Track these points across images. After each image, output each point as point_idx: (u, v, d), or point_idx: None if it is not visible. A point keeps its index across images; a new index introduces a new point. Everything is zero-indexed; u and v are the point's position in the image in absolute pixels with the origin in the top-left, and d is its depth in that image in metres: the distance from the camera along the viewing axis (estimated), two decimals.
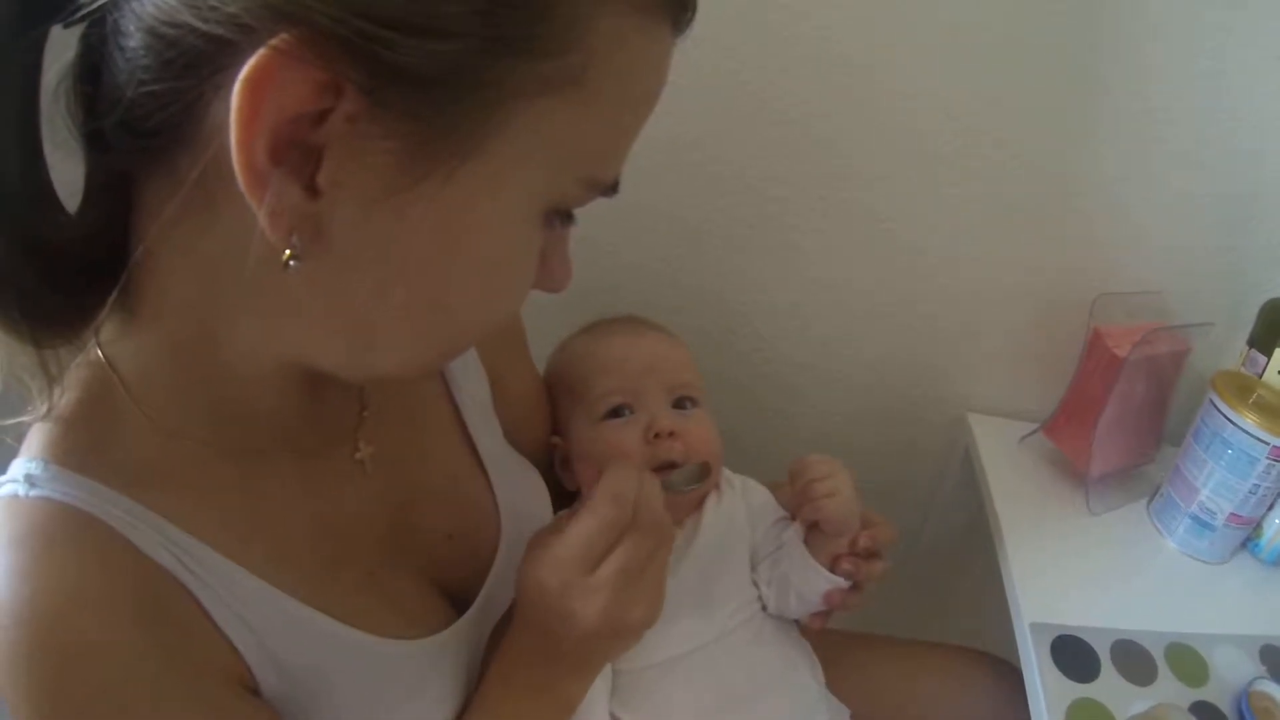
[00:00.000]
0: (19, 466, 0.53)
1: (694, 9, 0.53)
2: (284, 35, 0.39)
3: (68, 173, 0.50)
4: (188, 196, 0.46)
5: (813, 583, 0.92)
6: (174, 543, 0.55)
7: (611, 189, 0.55)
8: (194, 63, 0.41)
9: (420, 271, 0.49)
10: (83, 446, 0.54)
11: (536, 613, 0.71)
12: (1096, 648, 0.95)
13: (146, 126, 0.44)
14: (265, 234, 0.43)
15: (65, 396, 0.55)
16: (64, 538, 0.51)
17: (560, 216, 0.55)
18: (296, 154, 0.42)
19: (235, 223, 0.45)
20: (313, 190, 0.43)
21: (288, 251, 0.45)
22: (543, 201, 0.51)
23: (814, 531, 0.92)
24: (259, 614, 0.58)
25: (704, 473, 0.91)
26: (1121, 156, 1.13)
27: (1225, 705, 0.92)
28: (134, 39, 0.42)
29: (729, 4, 1.05)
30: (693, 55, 1.04)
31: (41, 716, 0.49)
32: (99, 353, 0.55)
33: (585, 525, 0.69)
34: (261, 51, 0.39)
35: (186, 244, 0.49)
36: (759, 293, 1.27)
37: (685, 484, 0.90)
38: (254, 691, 0.59)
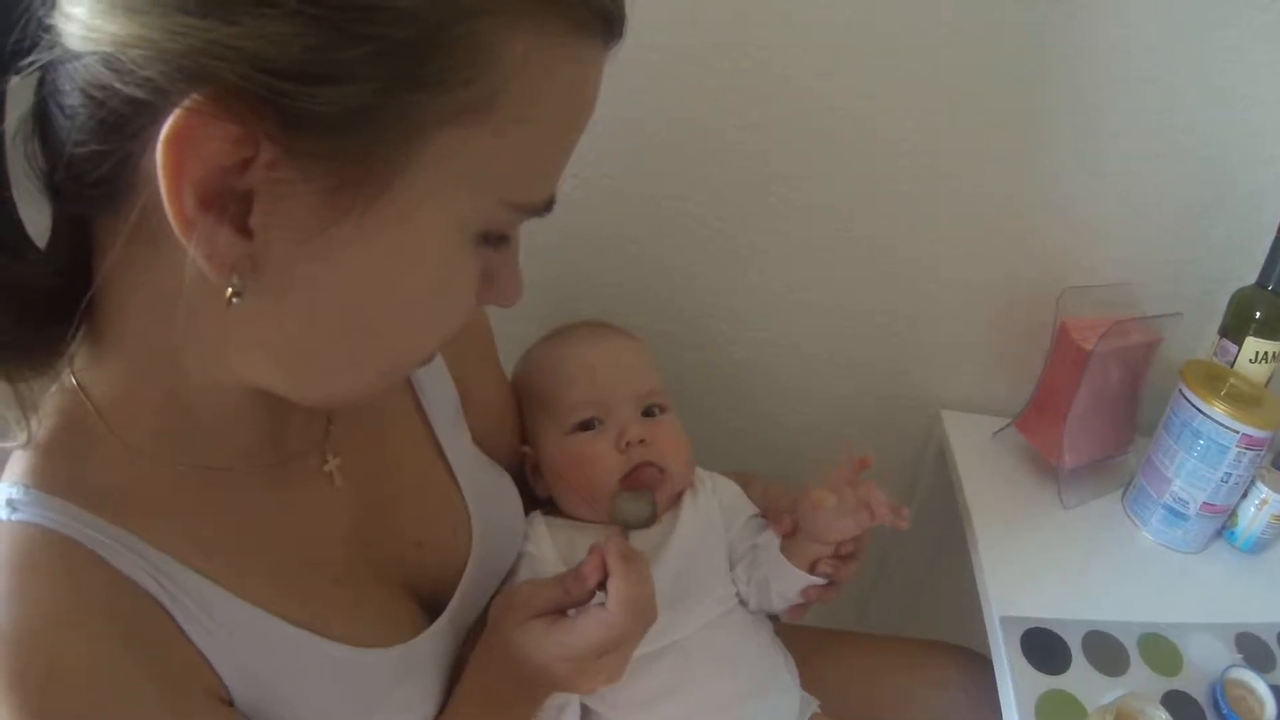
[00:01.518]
0: (1, 492, 0.55)
1: (621, 22, 0.53)
2: (195, 96, 0.41)
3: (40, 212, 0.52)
4: (133, 237, 0.48)
5: (793, 585, 0.93)
6: (149, 562, 0.57)
7: (545, 208, 0.55)
8: (120, 123, 0.44)
9: (352, 304, 0.51)
10: (61, 471, 0.56)
11: (528, 677, 0.75)
12: (1068, 639, 0.95)
13: (88, 179, 0.47)
14: (207, 274, 0.46)
15: (43, 424, 0.57)
16: (45, 561, 0.53)
17: (494, 239, 0.55)
18: (228, 199, 0.44)
19: (178, 262, 0.46)
20: (246, 232, 0.45)
21: (229, 290, 0.47)
22: (469, 227, 0.52)
23: (792, 535, 0.93)
24: (232, 628, 0.60)
25: (652, 508, 0.91)
26: (1084, 149, 1.14)
27: (1199, 694, 0.91)
28: (71, 97, 0.45)
29: (689, 9, 1.05)
30: (649, 73, 1.07)
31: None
32: (73, 380, 0.58)
33: (600, 635, 0.73)
34: (177, 112, 0.41)
35: (137, 280, 0.52)
36: (724, 296, 1.27)
37: (643, 523, 0.90)
38: (228, 704, 0.60)
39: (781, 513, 0.96)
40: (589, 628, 0.73)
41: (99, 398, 0.58)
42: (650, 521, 0.90)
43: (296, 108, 0.41)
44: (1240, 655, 0.96)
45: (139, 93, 0.41)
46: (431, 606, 0.79)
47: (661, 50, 1.07)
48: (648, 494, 0.90)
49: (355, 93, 0.42)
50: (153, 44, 0.40)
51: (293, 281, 0.48)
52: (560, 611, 0.76)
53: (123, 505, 0.57)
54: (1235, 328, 1.10)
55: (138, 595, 0.56)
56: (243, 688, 0.60)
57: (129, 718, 0.54)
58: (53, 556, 0.53)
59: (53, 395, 0.58)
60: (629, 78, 1.09)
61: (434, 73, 0.44)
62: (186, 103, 0.41)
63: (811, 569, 0.91)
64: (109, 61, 0.42)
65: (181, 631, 0.58)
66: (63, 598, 0.53)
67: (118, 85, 0.42)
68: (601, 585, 0.75)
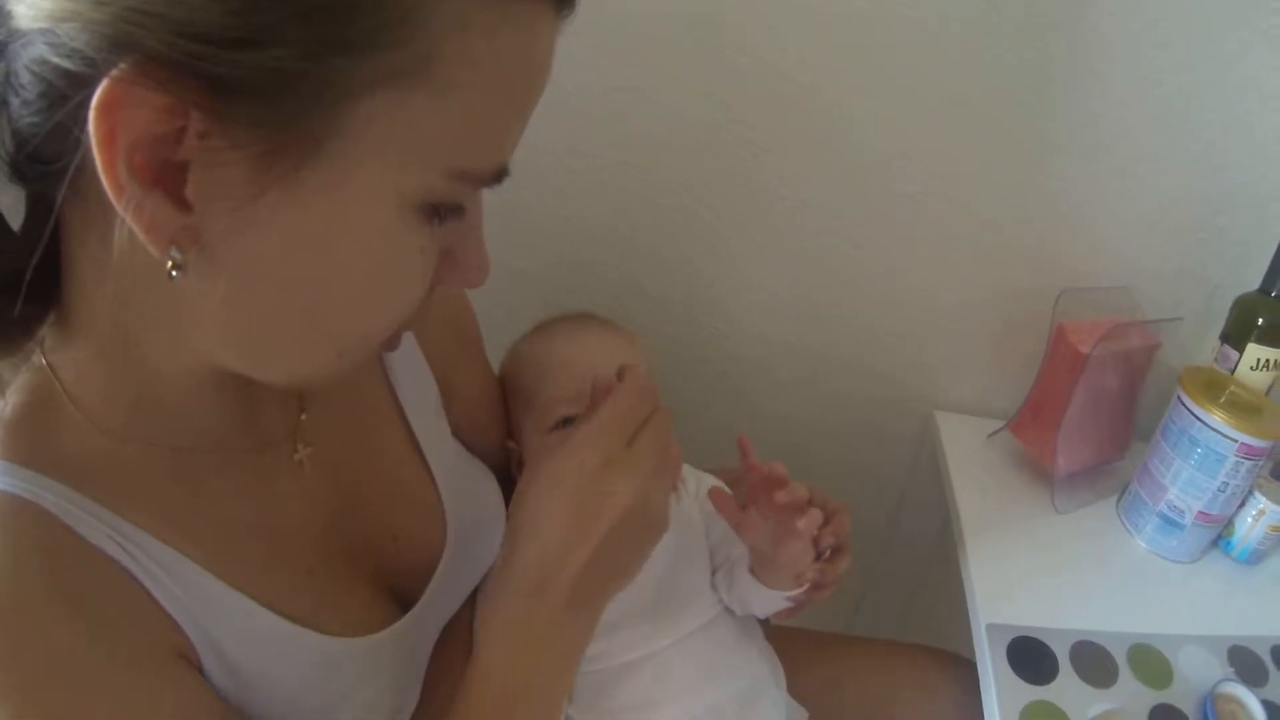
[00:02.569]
0: None
1: None
2: (122, 65, 0.40)
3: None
4: (88, 216, 0.49)
5: (773, 602, 0.90)
6: (117, 531, 0.57)
7: (494, 179, 0.54)
8: (59, 96, 0.43)
9: (290, 276, 0.50)
10: (28, 444, 0.56)
11: (567, 501, 0.66)
12: (1055, 649, 0.93)
13: (41, 155, 0.46)
14: (148, 247, 0.45)
15: (11, 401, 0.57)
16: (10, 519, 0.53)
17: (441, 212, 0.53)
18: (164, 170, 0.44)
19: (124, 238, 0.46)
20: (184, 204, 0.45)
21: (169, 263, 0.46)
22: (408, 197, 0.50)
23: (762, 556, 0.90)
24: (202, 602, 0.60)
25: None
26: (1086, 150, 1.12)
27: (1189, 708, 0.90)
28: (21, 76, 0.45)
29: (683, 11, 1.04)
30: (648, 63, 1.06)
31: None
32: (43, 360, 0.58)
33: (621, 400, 0.69)
34: (105, 82, 0.41)
35: (94, 257, 0.52)
36: (716, 294, 1.26)
37: None
38: (198, 669, 0.60)
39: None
40: (605, 404, 0.69)
41: (68, 378, 0.57)
42: None
43: (221, 74, 0.41)
44: (1232, 669, 0.94)
45: (71, 64, 0.42)
46: (405, 600, 0.78)
47: (661, 45, 1.06)
48: None
49: (278, 57, 0.41)
50: (80, 15, 0.40)
51: (233, 255, 0.48)
52: None
53: (90, 479, 0.57)
54: (1237, 334, 1.09)
55: (102, 560, 0.56)
56: (212, 661, 0.60)
57: (71, 666, 0.53)
58: (17, 520, 0.54)
59: (23, 375, 0.58)
60: (627, 71, 1.09)
61: (360, 35, 0.43)
62: (114, 72, 0.40)
63: (797, 579, 0.89)
64: (46, 36, 0.42)
65: (151, 597, 0.57)
66: (22, 557, 0.53)
67: (54, 59, 0.42)
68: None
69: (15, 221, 0.53)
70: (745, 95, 1.10)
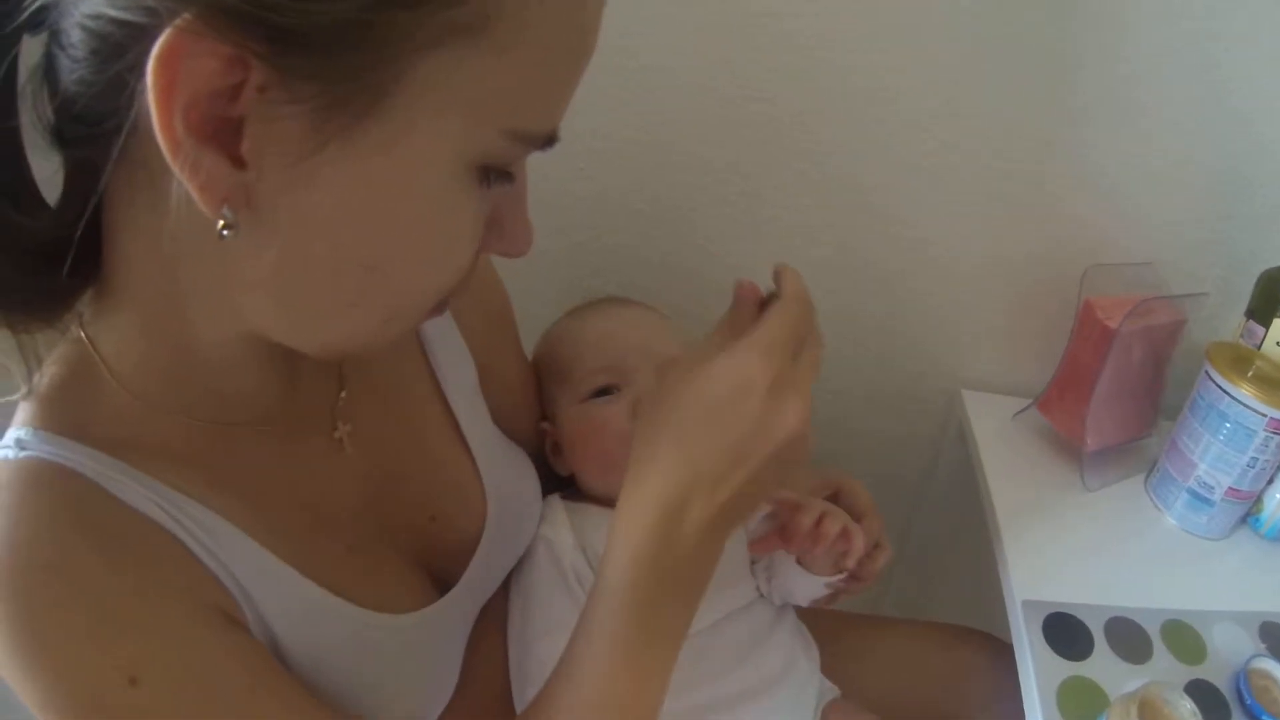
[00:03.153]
0: (9, 435, 0.56)
1: None
2: (185, 15, 0.40)
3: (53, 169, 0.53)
4: (135, 177, 0.49)
5: (815, 588, 0.92)
6: (160, 495, 0.57)
7: (547, 141, 0.53)
8: (115, 50, 0.43)
9: (344, 236, 0.49)
10: (69, 415, 0.57)
11: (734, 421, 0.60)
12: (1090, 625, 0.93)
13: (89, 115, 0.46)
14: (199, 205, 0.45)
15: (49, 373, 0.58)
16: (45, 483, 0.54)
17: (495, 174, 0.53)
18: (220, 127, 0.43)
19: (176, 198, 0.46)
20: (239, 161, 0.44)
21: (220, 222, 0.46)
22: (465, 157, 0.50)
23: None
24: (245, 566, 0.60)
25: None
26: (1111, 124, 1.11)
27: (1222, 683, 0.89)
28: (72, 35, 0.45)
29: None
30: (672, 39, 1.05)
31: (7, 631, 0.50)
32: (81, 332, 0.58)
33: (788, 313, 0.63)
34: (167, 31, 0.40)
35: (141, 223, 0.52)
36: (743, 271, 1.24)
37: None
38: (244, 628, 0.60)
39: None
40: (771, 316, 0.63)
41: (107, 350, 0.58)
42: None
43: (280, 23, 0.41)
44: (1264, 645, 0.94)
45: (129, 15, 0.42)
46: (443, 581, 0.78)
47: (686, 20, 1.06)
48: None
49: (343, 8, 0.41)
50: None
51: (285, 213, 0.48)
52: None
53: (130, 449, 0.57)
54: (1262, 309, 1.08)
55: (144, 522, 0.56)
56: (254, 623, 0.60)
57: (142, 620, 0.54)
58: (52, 481, 0.54)
59: (60, 347, 0.59)
60: (658, 48, 1.08)
61: None
62: (177, 22, 0.40)
63: (835, 567, 0.90)
64: None
65: (195, 558, 0.57)
66: (56, 511, 0.54)
67: (109, 10, 0.42)
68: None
69: (49, 195, 0.53)
70: (770, 69, 1.09)
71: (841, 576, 0.90)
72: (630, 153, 1.15)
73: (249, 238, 0.47)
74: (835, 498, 0.96)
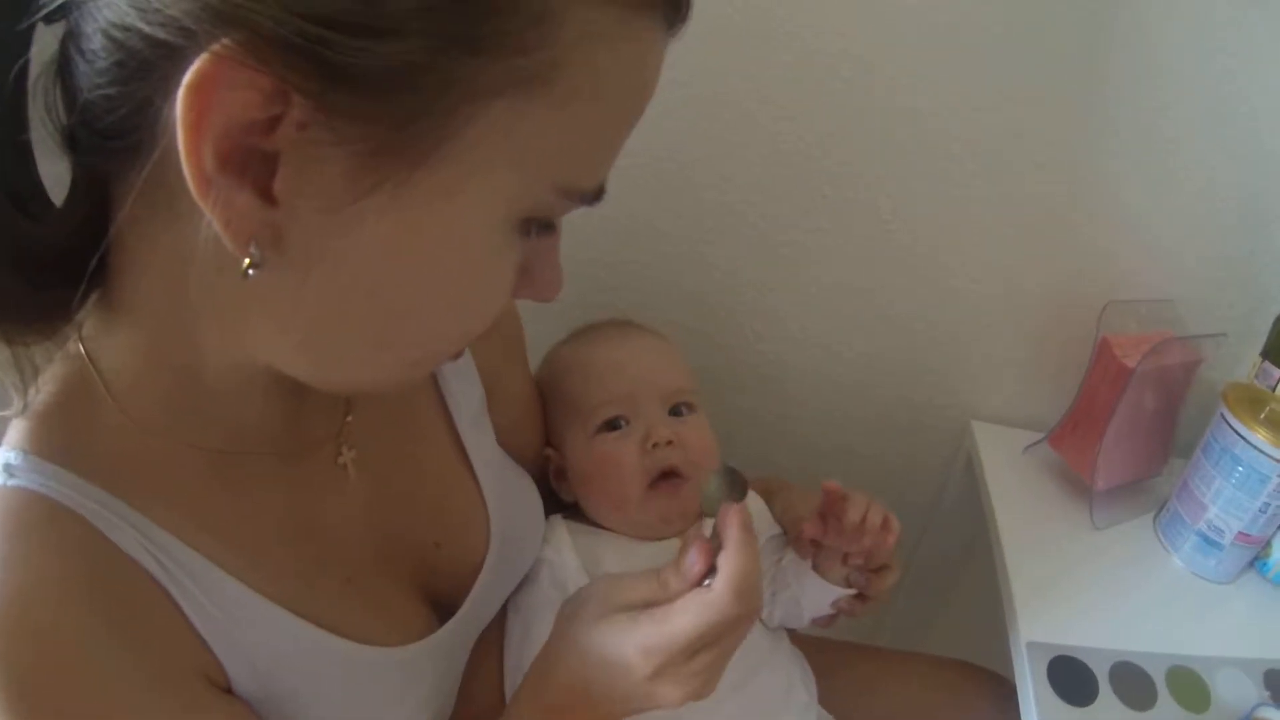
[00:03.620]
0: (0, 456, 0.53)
1: (688, 6, 0.50)
2: (225, 40, 0.37)
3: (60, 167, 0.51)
4: (150, 197, 0.46)
5: (825, 599, 0.91)
6: (150, 540, 0.55)
7: (594, 197, 0.52)
8: (143, 67, 0.41)
9: (380, 286, 0.48)
10: (61, 439, 0.54)
11: (602, 684, 0.66)
12: (1095, 669, 0.92)
13: (106, 127, 0.44)
14: (224, 241, 0.43)
15: (44, 391, 0.55)
16: (37, 526, 0.51)
17: (538, 225, 0.52)
18: (251, 161, 0.41)
19: (195, 226, 0.43)
20: (270, 198, 0.42)
21: (246, 260, 0.43)
22: (514, 210, 0.48)
23: (821, 548, 0.91)
24: (235, 614, 0.58)
25: (736, 480, 0.80)
26: (1133, 160, 1.10)
27: None
28: (93, 41, 0.42)
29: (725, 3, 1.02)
30: (692, 56, 1.04)
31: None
32: (80, 348, 0.55)
33: (702, 621, 0.64)
34: (204, 56, 0.38)
35: (153, 244, 0.49)
36: (757, 294, 1.25)
37: (732, 496, 0.78)
38: (226, 689, 0.58)
39: (802, 531, 0.92)
40: (687, 612, 0.64)
41: (107, 368, 0.55)
42: (736, 493, 0.79)
43: (334, 60, 0.38)
44: (1269, 693, 0.93)
45: (163, 34, 0.39)
46: (442, 606, 0.77)
47: (707, 37, 1.04)
48: (729, 470, 0.81)
49: (404, 50, 0.39)
50: None
51: (317, 256, 0.45)
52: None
53: (126, 479, 0.55)
54: (1278, 350, 1.07)
55: (133, 571, 0.54)
56: (244, 677, 0.59)
57: (110, 694, 0.52)
58: (44, 523, 0.51)
59: (57, 362, 0.56)
60: (671, 63, 1.06)
61: (493, 35, 0.41)
62: (215, 47, 0.37)
63: (846, 580, 0.90)
64: None
65: (180, 612, 0.56)
66: (48, 563, 0.51)
67: (141, 25, 0.39)
68: (704, 576, 0.67)
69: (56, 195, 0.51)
70: (790, 90, 1.08)
71: (851, 592, 0.90)
72: (646, 170, 1.14)
73: (274, 277, 0.45)
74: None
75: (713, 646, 0.65)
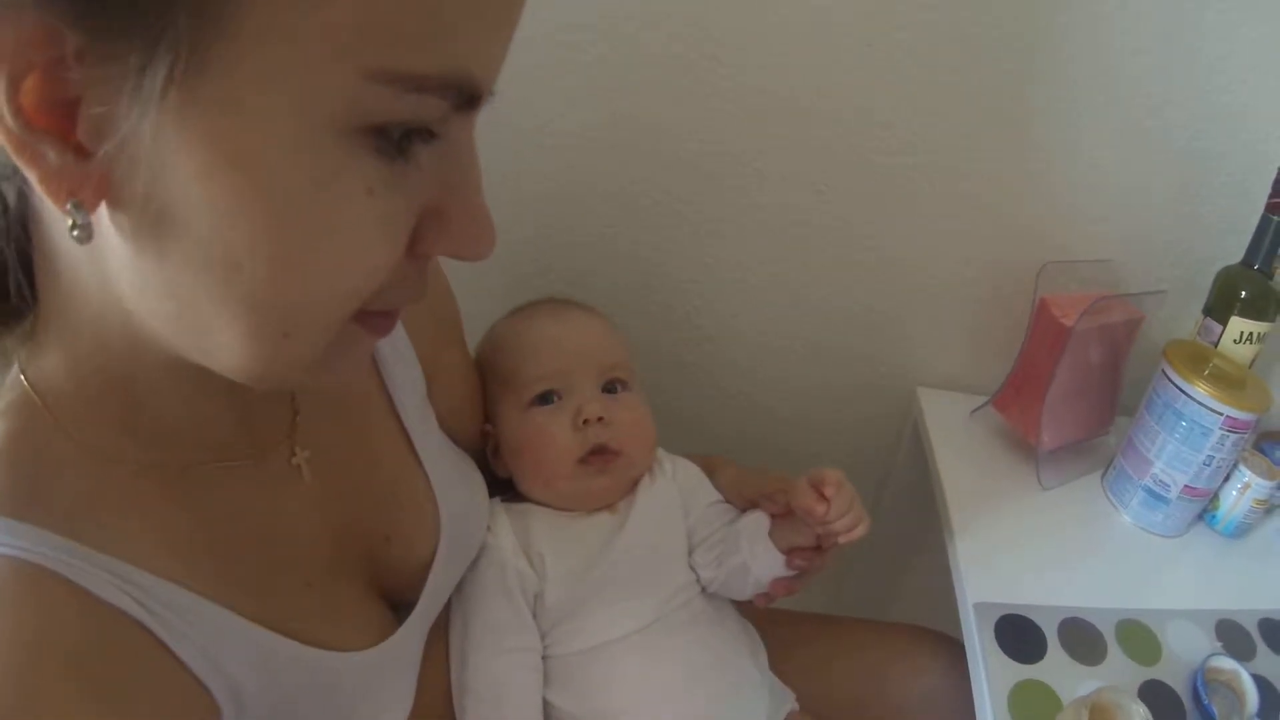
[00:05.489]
0: None
1: None
2: None
3: None
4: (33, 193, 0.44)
5: (770, 573, 0.91)
6: (126, 580, 0.52)
7: (455, 89, 0.43)
8: None
9: (200, 230, 0.42)
10: (19, 490, 0.51)
11: None
12: (1044, 627, 0.92)
13: None
14: (50, 203, 0.40)
15: None
16: (15, 594, 0.48)
17: (394, 137, 0.43)
18: (59, 114, 0.39)
19: (44, 204, 0.42)
20: (80, 150, 0.39)
21: (70, 221, 0.41)
22: (327, 113, 0.40)
23: (780, 520, 0.91)
24: (210, 635, 0.56)
25: None
26: (1068, 124, 1.10)
27: (1179, 684, 0.89)
28: None
29: None
30: (630, 32, 1.03)
31: None
32: (21, 377, 0.53)
33: None
34: None
35: (44, 244, 0.48)
36: (699, 270, 1.24)
37: None
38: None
39: (771, 495, 0.93)
40: None
41: (47, 392, 0.53)
42: None
43: None
44: (1220, 643, 0.94)
45: None
46: (394, 601, 0.76)
47: (631, 25, 1.04)
48: None
49: None
50: None
51: (143, 212, 0.41)
52: None
53: (88, 518, 0.52)
54: (1220, 307, 1.08)
55: (116, 618, 0.51)
56: (227, 700, 0.57)
57: None
58: (18, 587, 0.48)
59: (2, 395, 0.54)
60: (597, 65, 1.06)
61: None
62: None
63: (787, 560, 0.89)
64: None
65: (169, 651, 0.53)
66: (23, 628, 0.47)
67: None
68: None
69: None
70: (720, 62, 1.07)
71: (793, 574, 0.89)
72: (587, 148, 1.13)
73: (119, 241, 0.43)
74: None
75: None
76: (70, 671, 0.48)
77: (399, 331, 0.79)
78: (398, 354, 0.79)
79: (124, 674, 0.50)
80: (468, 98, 0.44)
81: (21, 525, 0.49)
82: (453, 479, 0.83)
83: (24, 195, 0.46)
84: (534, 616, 0.86)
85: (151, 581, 0.53)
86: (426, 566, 0.78)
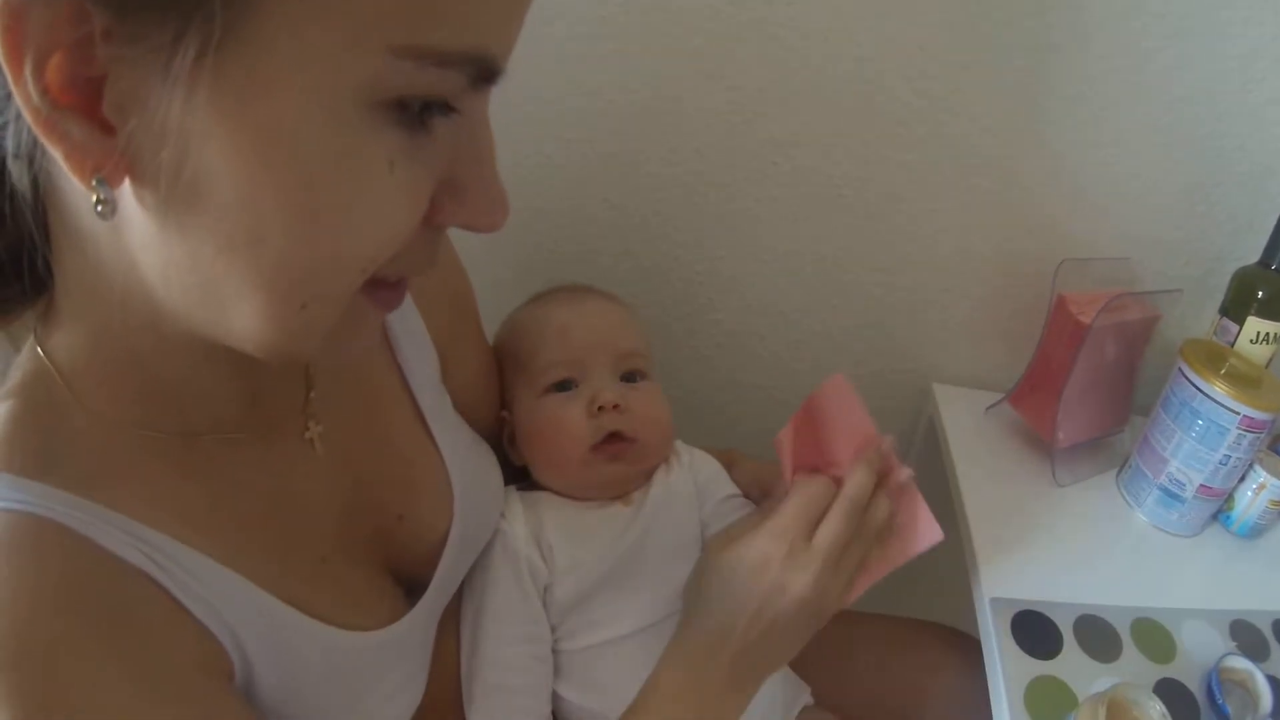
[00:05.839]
0: None
1: None
2: None
3: None
4: (53, 170, 0.45)
5: None
6: (139, 538, 0.53)
7: (474, 65, 0.44)
8: None
9: (225, 201, 0.42)
10: (34, 453, 0.52)
11: (744, 589, 0.76)
12: (1059, 623, 0.92)
13: None
14: (75, 181, 0.41)
15: (8, 403, 0.54)
16: (26, 545, 0.49)
17: (415, 110, 0.44)
18: (83, 91, 0.39)
19: (81, 191, 0.42)
20: (106, 126, 0.40)
21: (94, 198, 0.42)
22: (352, 88, 0.41)
23: None
24: (223, 598, 0.56)
25: None
26: (1088, 119, 1.10)
27: (1193, 683, 0.88)
28: None
29: None
30: (643, 23, 1.03)
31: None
32: (38, 350, 0.54)
33: (800, 495, 0.79)
34: None
35: (65, 221, 0.49)
36: (715, 262, 1.24)
37: None
38: (230, 676, 0.57)
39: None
40: (792, 495, 0.79)
41: (64, 366, 0.54)
42: None
43: None
44: (1235, 643, 0.93)
45: None
46: (408, 582, 0.76)
47: (647, 8, 1.03)
48: None
49: None
50: None
51: (169, 187, 0.42)
52: None
53: (103, 481, 0.53)
54: (1236, 307, 1.08)
55: (128, 573, 0.52)
56: (240, 664, 0.57)
57: (120, 697, 0.49)
58: (32, 540, 0.49)
59: (19, 369, 0.55)
60: (612, 39, 1.05)
61: None
62: None
63: None
64: None
65: (182, 607, 0.54)
66: (44, 580, 0.49)
67: None
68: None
69: None
70: (736, 56, 1.07)
71: None
72: (596, 146, 1.13)
73: (142, 217, 0.43)
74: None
75: (824, 526, 0.77)
76: (91, 625, 0.49)
77: (411, 310, 0.80)
78: (412, 338, 0.80)
79: (132, 619, 0.52)
80: (486, 73, 0.45)
81: (37, 484, 0.51)
82: (467, 460, 0.83)
83: (44, 173, 0.46)
84: (544, 607, 0.86)
85: (162, 539, 0.54)
86: (439, 547, 0.78)
